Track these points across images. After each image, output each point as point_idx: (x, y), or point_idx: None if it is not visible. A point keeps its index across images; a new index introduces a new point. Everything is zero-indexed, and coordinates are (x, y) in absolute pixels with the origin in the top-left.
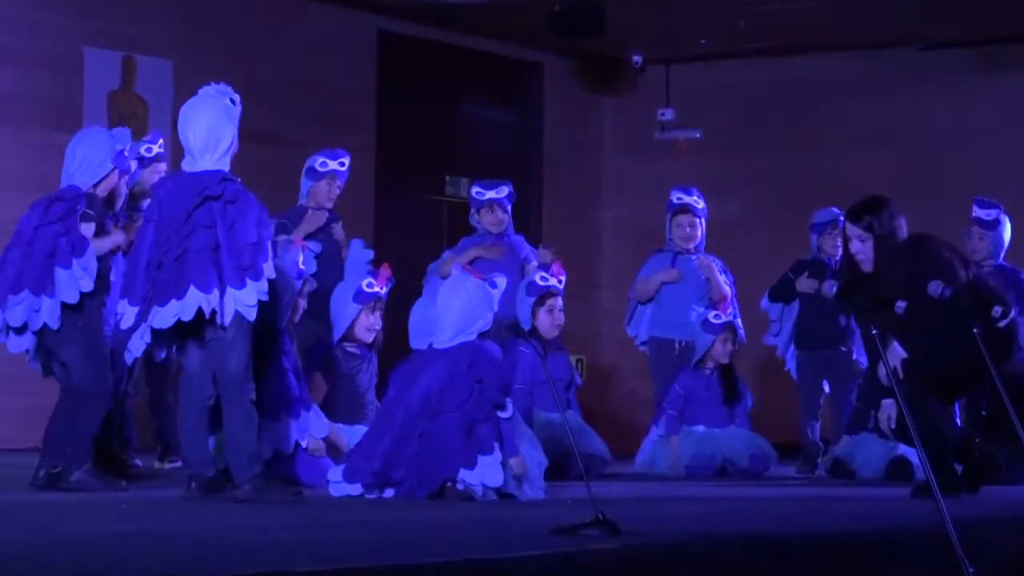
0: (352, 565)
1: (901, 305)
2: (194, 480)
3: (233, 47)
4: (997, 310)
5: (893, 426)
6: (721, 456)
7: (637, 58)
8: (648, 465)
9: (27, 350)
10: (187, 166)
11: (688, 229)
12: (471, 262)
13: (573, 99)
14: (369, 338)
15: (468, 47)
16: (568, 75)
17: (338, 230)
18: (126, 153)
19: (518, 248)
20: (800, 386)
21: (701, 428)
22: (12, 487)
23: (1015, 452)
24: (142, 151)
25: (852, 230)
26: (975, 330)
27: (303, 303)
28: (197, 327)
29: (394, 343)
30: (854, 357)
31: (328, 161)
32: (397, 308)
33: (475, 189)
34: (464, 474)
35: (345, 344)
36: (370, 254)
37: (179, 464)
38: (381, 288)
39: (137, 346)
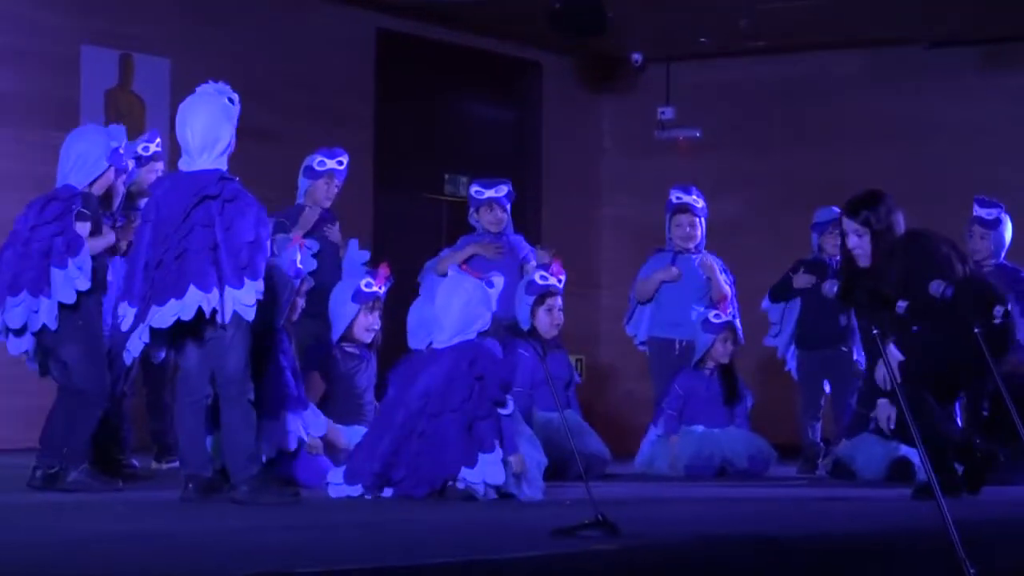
0: (351, 566)
1: (902, 305)
2: (191, 481)
3: (231, 46)
4: (999, 310)
5: (892, 426)
6: (721, 456)
7: (637, 57)
8: (647, 465)
9: (26, 351)
10: (184, 165)
11: (688, 228)
12: (468, 260)
13: (573, 98)
14: (368, 338)
15: (467, 46)
16: (568, 74)
17: (333, 232)
18: (121, 150)
19: (517, 247)
20: (801, 386)
21: (700, 428)
22: (9, 487)
23: (1015, 452)
24: (139, 150)
25: (849, 225)
26: (976, 330)
27: (301, 302)
28: (196, 326)
29: (393, 343)
30: (855, 357)
31: (326, 160)
32: (396, 308)
33: (474, 188)
34: (465, 473)
35: (344, 344)
36: (366, 255)
37: (176, 464)
38: (380, 288)
39: (135, 346)
